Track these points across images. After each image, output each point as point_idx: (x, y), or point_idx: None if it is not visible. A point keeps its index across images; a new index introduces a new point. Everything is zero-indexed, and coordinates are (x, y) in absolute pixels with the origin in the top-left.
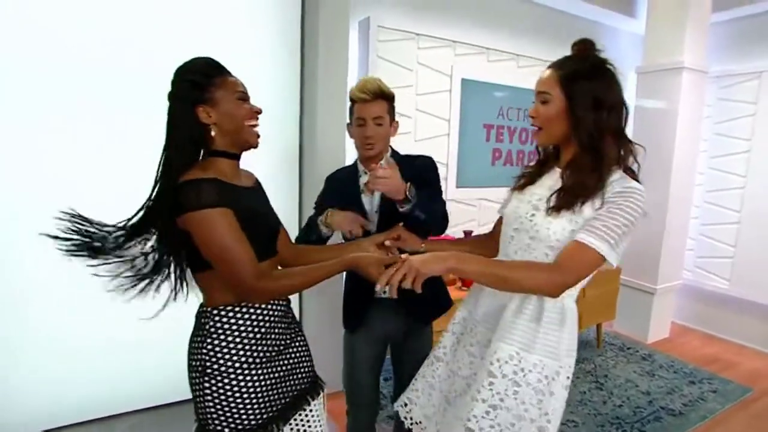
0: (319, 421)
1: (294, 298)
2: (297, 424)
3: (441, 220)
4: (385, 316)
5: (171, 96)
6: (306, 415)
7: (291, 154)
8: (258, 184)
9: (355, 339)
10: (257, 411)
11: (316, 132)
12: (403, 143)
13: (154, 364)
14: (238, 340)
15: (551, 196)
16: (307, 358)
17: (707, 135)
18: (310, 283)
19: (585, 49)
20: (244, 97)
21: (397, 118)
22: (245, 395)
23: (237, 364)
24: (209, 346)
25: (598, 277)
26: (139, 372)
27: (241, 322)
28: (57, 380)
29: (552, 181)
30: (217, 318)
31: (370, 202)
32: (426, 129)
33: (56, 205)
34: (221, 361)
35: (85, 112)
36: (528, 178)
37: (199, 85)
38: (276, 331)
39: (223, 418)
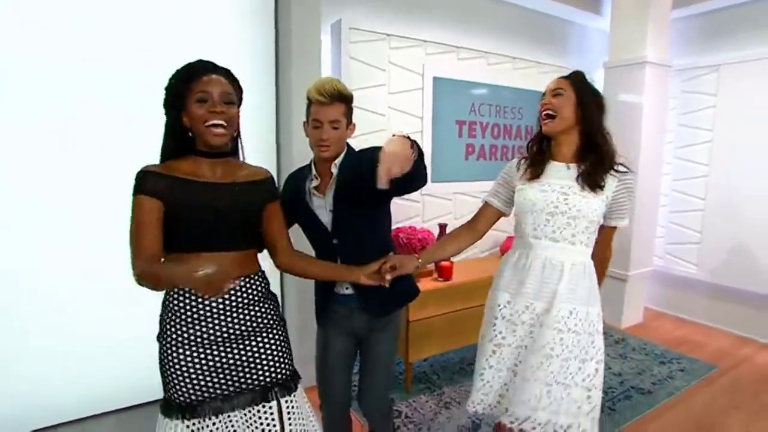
0: (290, 417)
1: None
2: (256, 418)
3: (425, 176)
4: (346, 313)
5: (164, 105)
6: (266, 411)
7: (269, 156)
8: (247, 182)
9: (325, 334)
10: (185, 389)
11: (292, 132)
12: (378, 140)
13: (145, 362)
14: (171, 316)
15: (579, 180)
16: (273, 357)
17: (672, 126)
18: (170, 283)
19: (580, 75)
20: (204, 98)
21: (370, 116)
22: (171, 370)
23: (169, 339)
24: (160, 318)
25: None
26: (130, 369)
27: (176, 302)
28: (46, 379)
29: (561, 172)
30: (167, 295)
31: (323, 201)
32: (399, 126)
33: (55, 204)
34: (162, 334)
35: (85, 112)
36: (532, 173)
37: (179, 95)
38: (213, 320)
39: (164, 385)
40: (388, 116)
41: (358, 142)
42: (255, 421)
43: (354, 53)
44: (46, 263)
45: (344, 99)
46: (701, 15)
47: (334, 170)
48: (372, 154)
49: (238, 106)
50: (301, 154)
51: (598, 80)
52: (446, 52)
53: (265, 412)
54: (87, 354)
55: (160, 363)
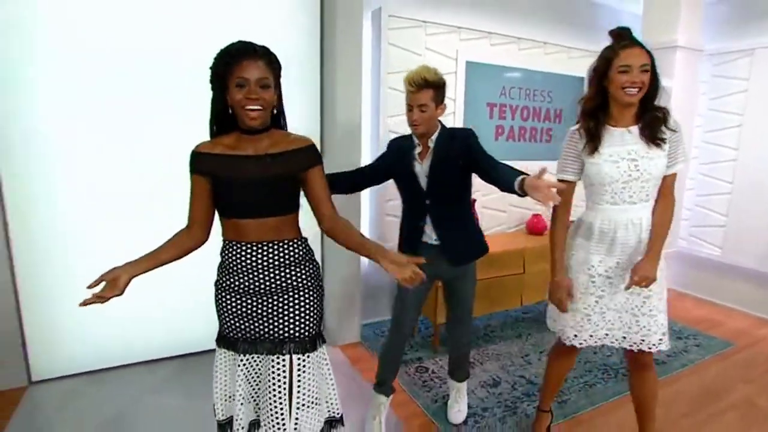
0: (300, 374)
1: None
2: (271, 367)
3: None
4: (432, 257)
5: (210, 82)
6: (279, 363)
7: (314, 124)
8: (280, 153)
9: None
10: (225, 326)
11: (336, 111)
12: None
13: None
14: (221, 266)
15: (644, 139)
16: (295, 316)
17: (702, 111)
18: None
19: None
20: (242, 84)
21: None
22: (218, 309)
23: (218, 285)
24: (217, 267)
25: None
26: (185, 317)
27: (224, 256)
28: (124, 324)
29: (625, 137)
30: (221, 249)
31: (421, 169)
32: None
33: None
34: (216, 280)
35: (152, 99)
36: (592, 146)
37: (221, 76)
38: (250, 274)
39: (218, 320)
40: None
41: (399, 121)
42: (270, 370)
43: (392, 39)
44: (135, 226)
45: (431, 85)
46: None
47: (431, 144)
48: (467, 147)
49: (276, 85)
50: (344, 130)
51: None
52: (479, 38)
53: (278, 364)
54: (157, 303)
55: (214, 302)
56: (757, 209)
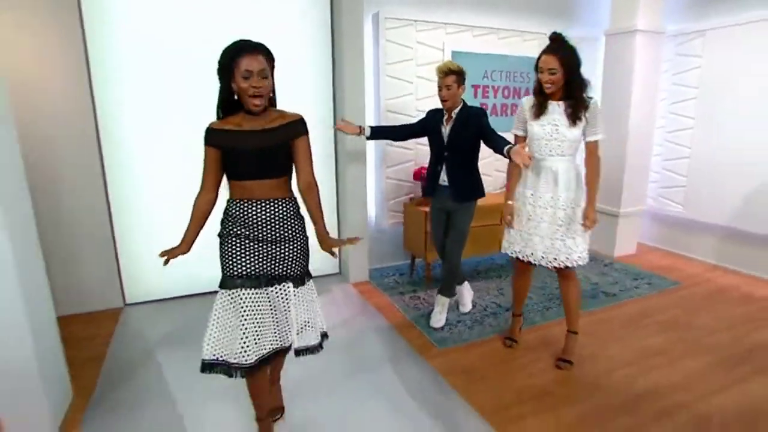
0: (296, 299)
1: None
2: (273, 295)
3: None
4: (443, 195)
5: (217, 73)
6: (279, 292)
7: (328, 110)
8: (276, 127)
9: (433, 206)
10: (231, 268)
11: (345, 95)
12: (407, 100)
13: None
14: (228, 218)
15: (566, 117)
16: (290, 259)
17: (666, 86)
18: (191, 216)
19: (557, 43)
20: (247, 75)
21: (401, 83)
22: (224, 255)
23: (224, 233)
24: (221, 221)
25: None
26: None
27: (232, 209)
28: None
29: (554, 112)
30: (227, 204)
31: (446, 131)
32: (424, 91)
33: (179, 141)
34: (221, 231)
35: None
36: (536, 113)
37: (228, 68)
38: (252, 226)
39: (221, 267)
40: (415, 83)
41: (395, 102)
42: (273, 297)
43: (389, 36)
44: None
45: (454, 72)
46: None
47: (453, 115)
48: (479, 121)
49: (272, 74)
50: (351, 110)
51: (601, 47)
52: (462, 31)
53: (278, 293)
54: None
55: (219, 251)
56: (710, 170)
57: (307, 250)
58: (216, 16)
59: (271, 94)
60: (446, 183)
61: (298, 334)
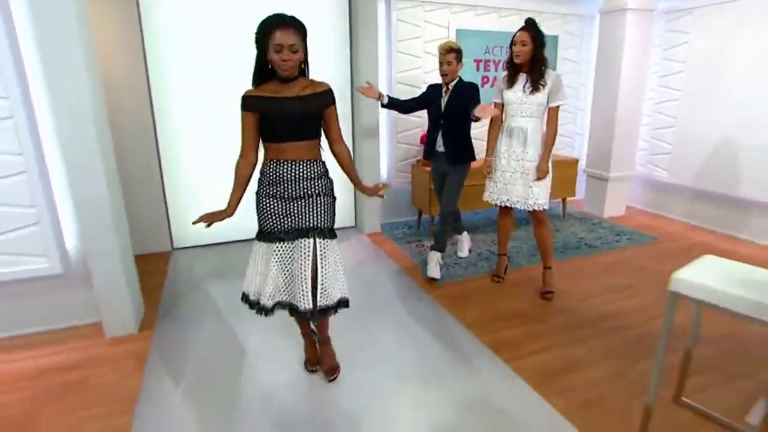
0: (321, 252)
1: None
2: (301, 246)
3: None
4: (440, 160)
5: (255, 43)
6: (306, 244)
7: (346, 81)
8: (310, 95)
9: (433, 168)
10: (266, 223)
11: (360, 69)
12: (416, 73)
13: None
14: (263, 178)
15: (530, 86)
16: (317, 215)
17: (657, 60)
18: (233, 184)
19: (530, 24)
20: (278, 49)
21: (411, 58)
22: (260, 211)
23: (260, 192)
24: (258, 180)
25: (559, 162)
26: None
27: (267, 170)
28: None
29: (522, 81)
30: (263, 166)
31: (443, 102)
32: (431, 65)
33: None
34: (257, 190)
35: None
36: (509, 83)
37: (262, 40)
38: (286, 184)
39: (258, 221)
40: (423, 58)
41: (405, 75)
42: (300, 249)
43: (399, 16)
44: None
45: (454, 50)
46: None
47: (451, 88)
48: (471, 93)
49: (304, 45)
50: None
51: (597, 24)
52: (466, 10)
53: (306, 245)
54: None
55: (255, 207)
56: (693, 138)
57: (334, 208)
58: (242, 2)
59: (303, 65)
60: (442, 149)
61: (320, 289)
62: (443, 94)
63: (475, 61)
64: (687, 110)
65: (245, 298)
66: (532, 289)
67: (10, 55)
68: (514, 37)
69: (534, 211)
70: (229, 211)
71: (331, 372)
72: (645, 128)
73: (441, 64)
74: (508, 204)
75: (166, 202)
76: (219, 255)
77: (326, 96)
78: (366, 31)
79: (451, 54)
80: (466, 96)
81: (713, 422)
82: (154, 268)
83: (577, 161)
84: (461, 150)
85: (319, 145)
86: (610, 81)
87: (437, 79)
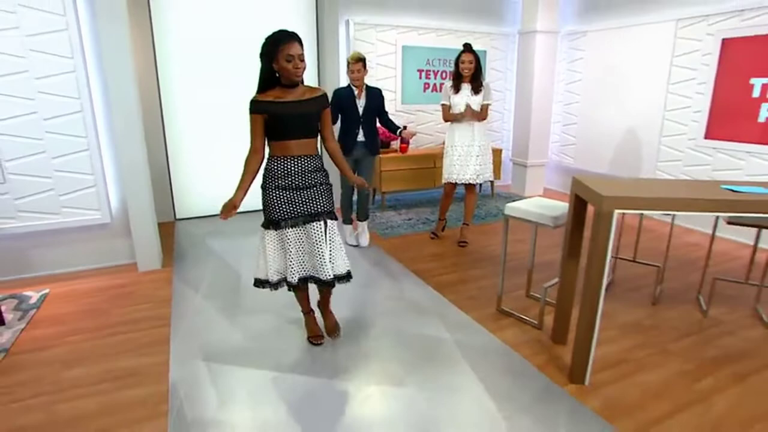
0: (330, 232)
1: None
2: (311, 229)
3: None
4: (360, 149)
5: (260, 56)
6: (317, 226)
7: (313, 83)
8: (309, 98)
9: (348, 156)
10: (273, 212)
11: (326, 75)
12: (370, 80)
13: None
14: (269, 172)
15: (473, 92)
16: (321, 200)
17: (563, 70)
18: (242, 176)
19: (470, 47)
20: (290, 59)
21: (366, 68)
22: (267, 202)
23: (267, 185)
24: (263, 174)
25: None
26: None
27: (273, 165)
28: (217, 186)
29: (466, 89)
30: (268, 162)
31: (360, 104)
32: (382, 73)
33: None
34: (263, 183)
35: (231, 70)
36: (455, 90)
37: (271, 52)
38: (291, 176)
39: (263, 211)
40: (375, 68)
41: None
42: (311, 231)
43: (357, 36)
44: (229, 132)
45: (361, 60)
46: None
47: (363, 90)
48: (381, 97)
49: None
50: (330, 82)
51: (517, 42)
52: (410, 30)
53: (318, 227)
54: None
55: (262, 200)
56: (590, 132)
57: (332, 193)
58: (231, 16)
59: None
60: (362, 139)
61: (331, 262)
62: (357, 97)
63: (418, 70)
64: (586, 110)
65: (261, 283)
66: (452, 240)
67: (83, 66)
68: (460, 56)
69: (471, 184)
70: (236, 201)
71: (335, 329)
72: (556, 125)
73: (352, 71)
74: (462, 181)
75: (170, 181)
76: (212, 224)
77: (322, 99)
78: (330, 47)
79: (359, 63)
80: (377, 99)
81: (532, 299)
82: (163, 231)
83: (501, 150)
84: (377, 142)
85: (317, 142)
86: (526, 87)
87: (387, 85)
